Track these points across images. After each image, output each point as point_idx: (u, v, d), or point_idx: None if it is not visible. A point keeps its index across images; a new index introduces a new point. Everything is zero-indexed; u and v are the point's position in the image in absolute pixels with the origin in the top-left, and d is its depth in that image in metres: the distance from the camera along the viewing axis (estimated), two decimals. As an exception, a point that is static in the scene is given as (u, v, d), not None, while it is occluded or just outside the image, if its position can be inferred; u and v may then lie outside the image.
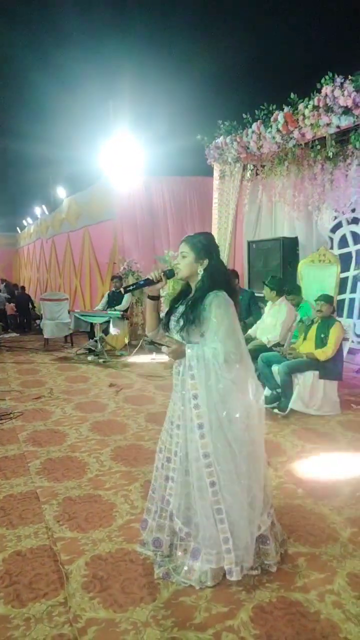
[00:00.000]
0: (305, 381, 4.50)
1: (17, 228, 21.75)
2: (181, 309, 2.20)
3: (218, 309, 2.06)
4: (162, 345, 2.22)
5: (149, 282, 2.22)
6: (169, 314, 2.28)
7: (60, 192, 15.22)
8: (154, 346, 7.04)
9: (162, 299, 6.13)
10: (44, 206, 17.06)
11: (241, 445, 2.09)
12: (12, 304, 11.80)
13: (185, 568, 2.19)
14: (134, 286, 2.33)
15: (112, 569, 2.27)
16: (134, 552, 2.39)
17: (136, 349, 7.66)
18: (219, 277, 2.16)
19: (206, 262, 2.16)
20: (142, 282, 2.26)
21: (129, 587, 2.15)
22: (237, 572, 2.11)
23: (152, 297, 2.27)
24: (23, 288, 13.24)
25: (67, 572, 2.24)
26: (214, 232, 7.36)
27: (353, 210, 6.26)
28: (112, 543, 2.47)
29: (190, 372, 2.11)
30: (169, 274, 2.22)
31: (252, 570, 2.19)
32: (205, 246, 2.18)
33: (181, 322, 2.14)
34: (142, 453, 3.64)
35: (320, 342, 4.55)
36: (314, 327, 4.71)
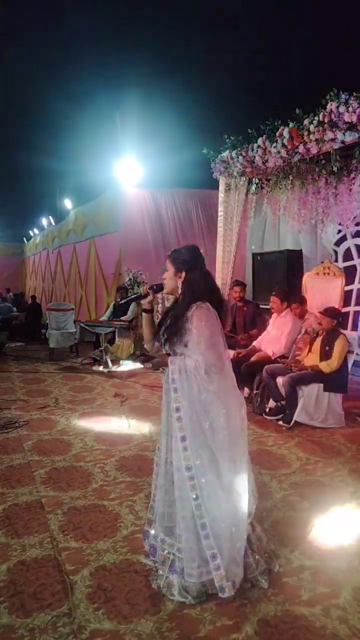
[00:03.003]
0: (310, 393, 4.50)
1: (24, 238, 21.95)
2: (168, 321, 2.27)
3: (199, 322, 2.09)
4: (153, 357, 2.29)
5: (139, 297, 2.32)
6: (160, 325, 2.34)
7: (67, 203, 15.34)
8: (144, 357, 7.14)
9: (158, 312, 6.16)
10: (50, 217, 17.23)
11: (224, 456, 2.11)
12: (23, 313, 11.91)
13: (167, 581, 2.18)
14: (125, 300, 2.46)
15: (116, 579, 2.27)
16: (138, 563, 2.39)
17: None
18: (199, 289, 2.17)
19: (183, 274, 2.20)
20: (133, 297, 2.41)
21: (134, 598, 2.14)
22: (229, 588, 2.07)
23: (145, 311, 2.34)
24: (34, 297, 13.33)
25: (72, 582, 2.25)
26: (219, 244, 7.41)
27: (357, 224, 6.30)
28: (117, 554, 2.48)
29: (173, 386, 2.14)
30: (157, 289, 2.30)
31: (243, 583, 2.16)
32: (185, 260, 2.22)
33: (165, 335, 2.21)
34: (146, 463, 3.65)
35: (325, 355, 4.56)
36: (319, 339, 4.73)
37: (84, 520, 2.80)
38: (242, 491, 2.17)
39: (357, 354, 5.55)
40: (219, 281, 7.46)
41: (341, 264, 6.78)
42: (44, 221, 18.28)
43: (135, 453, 3.88)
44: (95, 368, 7.24)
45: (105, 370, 7.07)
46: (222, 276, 7.00)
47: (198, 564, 2.09)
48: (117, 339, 7.69)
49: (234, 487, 2.14)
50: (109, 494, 3.14)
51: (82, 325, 8.13)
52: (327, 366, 4.48)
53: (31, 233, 20.58)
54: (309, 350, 4.83)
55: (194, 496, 2.08)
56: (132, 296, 2.39)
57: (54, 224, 16.22)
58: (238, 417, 2.18)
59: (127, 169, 9.27)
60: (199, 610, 2.07)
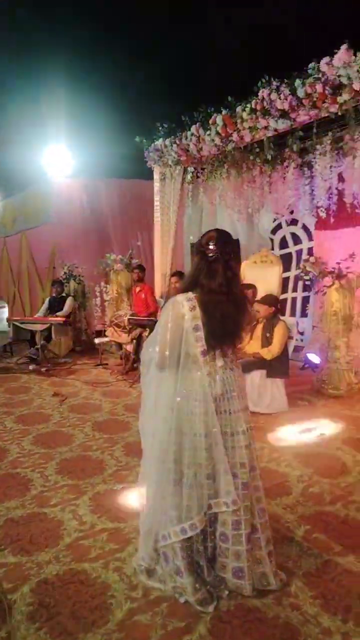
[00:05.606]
0: (253, 380, 4.52)
1: None
2: None
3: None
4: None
5: None
6: None
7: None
8: None
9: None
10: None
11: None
12: None
13: None
14: None
15: (59, 593, 2.11)
16: (83, 572, 2.24)
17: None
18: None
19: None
20: None
21: (79, 611, 2.00)
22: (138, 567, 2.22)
23: None
24: None
25: (10, 602, 2.05)
26: (157, 235, 7.28)
27: (292, 212, 6.43)
28: (60, 564, 2.31)
29: None
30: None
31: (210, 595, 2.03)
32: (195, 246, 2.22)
33: None
34: (89, 464, 3.48)
35: (266, 342, 4.60)
36: (259, 327, 4.76)
37: (22, 532, 2.59)
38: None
39: (296, 340, 5.68)
40: (158, 272, 7.36)
41: (278, 251, 6.91)
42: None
43: (77, 454, 3.69)
44: (32, 367, 6.88)
45: (43, 369, 6.74)
46: (161, 267, 6.90)
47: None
48: (53, 336, 7.35)
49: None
50: (49, 500, 2.95)
51: (15, 323, 7.68)
52: (268, 353, 4.52)
53: None
54: (250, 338, 4.85)
55: None
56: None
57: (-19, 217, 15.29)
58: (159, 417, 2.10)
59: (57, 158, 8.89)
60: (150, 616, 1.97)
